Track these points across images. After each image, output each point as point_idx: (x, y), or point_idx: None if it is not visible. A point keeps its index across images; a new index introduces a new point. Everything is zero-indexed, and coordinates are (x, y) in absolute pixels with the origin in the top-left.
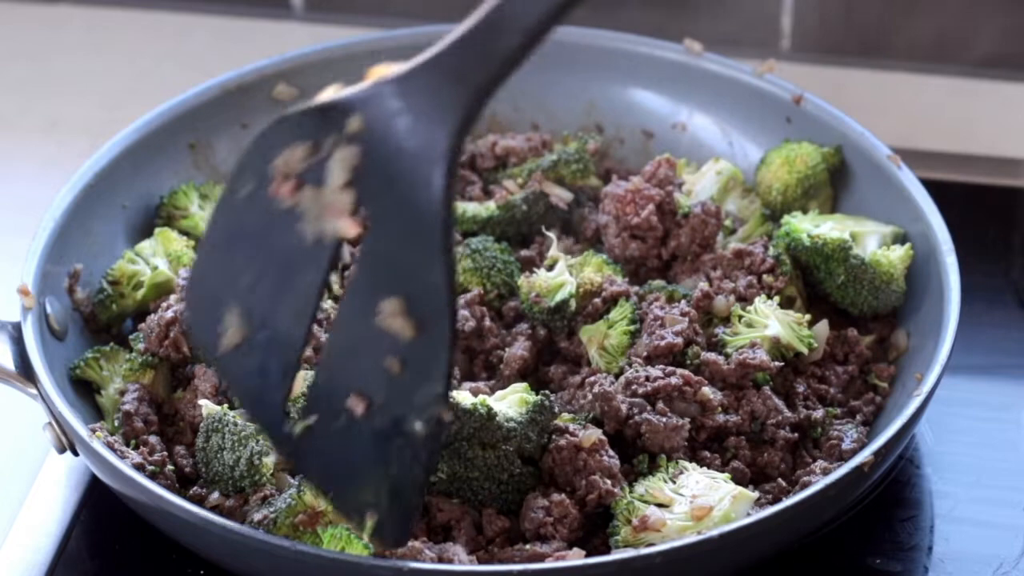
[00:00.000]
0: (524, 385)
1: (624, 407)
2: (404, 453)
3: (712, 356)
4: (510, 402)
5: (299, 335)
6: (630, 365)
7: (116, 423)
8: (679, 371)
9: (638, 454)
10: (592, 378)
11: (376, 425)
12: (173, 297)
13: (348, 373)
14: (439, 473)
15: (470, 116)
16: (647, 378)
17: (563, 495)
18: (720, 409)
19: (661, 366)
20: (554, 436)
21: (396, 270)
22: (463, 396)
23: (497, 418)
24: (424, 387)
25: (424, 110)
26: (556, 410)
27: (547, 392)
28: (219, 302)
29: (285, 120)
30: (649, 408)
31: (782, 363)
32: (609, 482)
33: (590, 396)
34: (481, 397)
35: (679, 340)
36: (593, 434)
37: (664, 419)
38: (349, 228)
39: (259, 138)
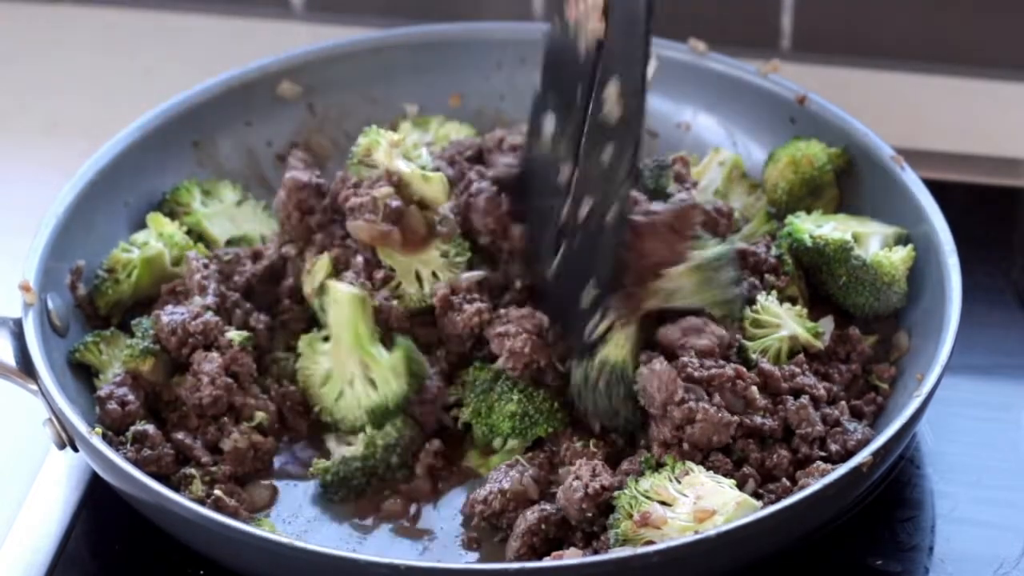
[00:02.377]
0: None
1: (680, 391)
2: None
3: (769, 367)
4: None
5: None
6: None
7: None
8: (731, 364)
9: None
10: (646, 356)
11: (591, 228)
12: (197, 299)
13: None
14: None
15: None
16: (702, 365)
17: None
18: (762, 412)
19: (712, 360)
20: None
21: (616, 54)
22: None
23: None
24: (621, 167)
25: None
26: None
27: None
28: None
29: None
30: (705, 397)
31: (832, 386)
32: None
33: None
34: None
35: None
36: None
37: (721, 413)
38: (600, 28)
39: None
